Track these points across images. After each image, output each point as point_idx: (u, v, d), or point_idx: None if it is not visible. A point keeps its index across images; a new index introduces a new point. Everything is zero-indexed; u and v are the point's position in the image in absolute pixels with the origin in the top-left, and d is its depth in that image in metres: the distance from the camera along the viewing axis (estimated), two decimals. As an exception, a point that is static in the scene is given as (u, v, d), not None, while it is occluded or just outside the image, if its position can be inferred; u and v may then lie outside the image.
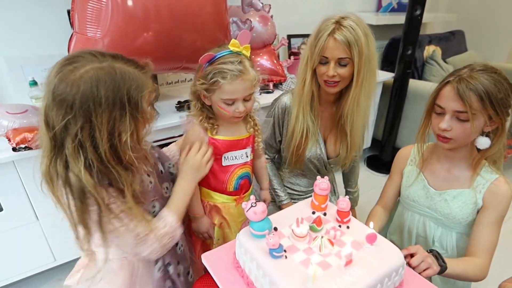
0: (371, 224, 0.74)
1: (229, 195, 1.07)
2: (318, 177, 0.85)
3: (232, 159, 1.03)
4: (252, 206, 0.73)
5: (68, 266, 1.53)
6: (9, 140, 1.12)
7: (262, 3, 1.68)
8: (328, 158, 1.32)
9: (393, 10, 3.05)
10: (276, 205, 1.42)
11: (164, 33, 1.28)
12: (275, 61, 1.94)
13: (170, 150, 1.09)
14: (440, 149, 1.02)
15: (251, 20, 1.82)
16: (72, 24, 1.17)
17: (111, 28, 1.16)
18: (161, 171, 0.92)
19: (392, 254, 0.73)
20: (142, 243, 0.77)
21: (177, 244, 0.96)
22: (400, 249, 1.16)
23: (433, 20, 3.31)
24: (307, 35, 2.32)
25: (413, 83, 2.41)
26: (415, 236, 1.12)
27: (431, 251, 0.91)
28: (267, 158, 1.37)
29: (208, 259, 0.84)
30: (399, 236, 1.19)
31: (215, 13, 1.39)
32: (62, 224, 1.11)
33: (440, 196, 1.02)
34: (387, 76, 2.43)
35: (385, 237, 1.22)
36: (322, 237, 0.73)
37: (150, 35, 1.25)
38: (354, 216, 1.43)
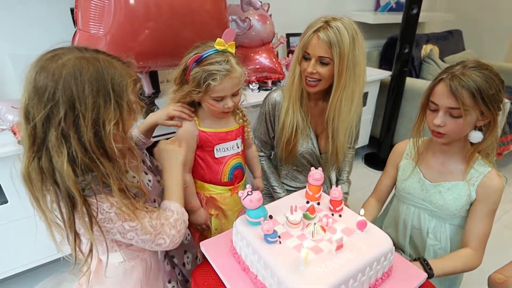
0: (362, 211, 0.78)
1: (224, 185, 1.11)
2: (312, 168, 0.89)
3: (224, 150, 1.07)
4: (248, 194, 0.77)
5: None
6: (14, 133, 1.16)
7: (261, 2, 1.71)
8: (320, 153, 1.34)
9: (391, 9, 3.08)
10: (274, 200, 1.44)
11: (164, 30, 1.31)
12: (273, 59, 1.97)
13: None
14: (435, 143, 1.06)
15: (250, 18, 1.85)
16: (75, 22, 1.20)
17: (113, 25, 1.19)
18: (150, 166, 0.94)
19: (381, 240, 0.76)
20: (159, 236, 0.77)
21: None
22: (396, 243, 1.21)
23: (431, 20, 3.34)
24: (305, 34, 2.35)
25: (410, 81, 2.44)
26: (410, 228, 1.15)
27: (418, 259, 0.95)
28: (263, 156, 1.40)
29: (206, 246, 0.87)
30: (395, 229, 1.22)
31: (215, 10, 1.42)
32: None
33: (435, 188, 1.05)
34: (384, 75, 2.46)
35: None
36: (315, 224, 0.76)
37: (151, 32, 1.28)
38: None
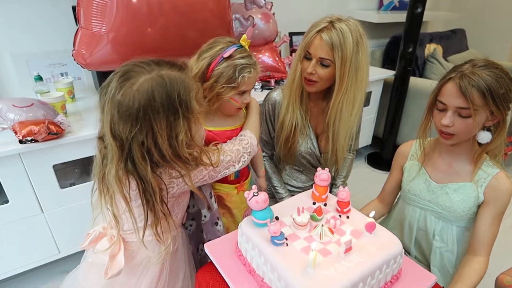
0: (372, 213, 0.76)
1: (231, 183, 1.11)
2: (319, 168, 0.87)
3: None
4: (254, 195, 0.75)
5: (72, 258, 1.56)
6: (15, 132, 1.14)
7: (264, 0, 1.69)
8: (321, 153, 1.32)
9: (394, 8, 3.06)
10: (276, 201, 1.43)
11: (167, 29, 1.30)
12: (276, 58, 1.96)
13: None
14: (442, 144, 1.04)
15: (253, 17, 1.83)
16: (77, 20, 1.19)
17: (116, 23, 1.18)
18: None
19: (390, 242, 0.74)
20: (233, 162, 0.94)
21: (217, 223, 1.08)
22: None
23: (435, 19, 3.32)
24: (308, 33, 2.33)
25: (413, 80, 2.42)
26: (415, 230, 1.13)
27: None
28: (265, 155, 1.39)
29: (210, 248, 0.86)
30: (400, 231, 1.20)
31: (218, 9, 1.41)
32: (67, 217, 1.16)
33: (442, 190, 1.03)
34: (388, 74, 2.44)
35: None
36: (322, 225, 0.74)
37: (153, 30, 1.26)
38: None
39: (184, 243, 1.03)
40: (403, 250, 0.75)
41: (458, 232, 1.06)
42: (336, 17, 1.07)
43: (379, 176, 2.49)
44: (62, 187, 1.37)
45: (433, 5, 3.47)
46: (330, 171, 1.46)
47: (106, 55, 1.19)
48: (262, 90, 1.89)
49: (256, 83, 1.90)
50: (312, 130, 1.29)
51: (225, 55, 0.91)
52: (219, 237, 0.92)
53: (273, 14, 1.99)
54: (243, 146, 0.97)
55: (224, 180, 1.08)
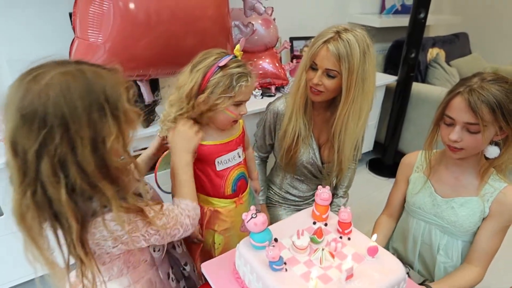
0: (374, 236, 0.73)
1: (228, 198, 1.07)
2: (320, 186, 0.85)
3: (226, 162, 1.04)
4: (252, 217, 0.73)
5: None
6: (9, 144, 1.12)
7: (264, 7, 1.66)
8: (322, 163, 1.30)
9: (396, 12, 3.02)
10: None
11: (166, 37, 1.27)
12: (277, 64, 1.93)
13: None
14: (448, 157, 1.01)
15: (253, 23, 1.81)
16: (73, 29, 1.16)
17: (113, 33, 1.15)
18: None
19: (393, 267, 0.72)
20: (170, 231, 0.76)
21: (174, 247, 0.96)
22: (404, 258, 1.17)
23: (437, 23, 3.28)
24: (309, 38, 2.31)
25: (416, 86, 2.39)
26: (420, 244, 1.11)
27: (422, 284, 0.93)
28: (256, 156, 1.39)
29: (207, 268, 0.83)
30: (403, 244, 1.18)
31: (218, 16, 1.38)
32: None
33: (447, 204, 1.02)
34: (390, 79, 2.42)
35: (388, 244, 1.23)
36: (323, 249, 0.72)
37: (152, 39, 1.24)
38: None
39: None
40: (407, 276, 0.72)
41: (464, 247, 1.04)
42: (343, 27, 1.05)
43: (381, 183, 2.47)
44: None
45: (436, 9, 3.43)
46: (331, 181, 1.47)
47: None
48: (262, 97, 1.87)
49: (256, 90, 1.87)
50: (314, 140, 1.27)
51: (221, 64, 0.89)
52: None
53: (274, 19, 1.97)
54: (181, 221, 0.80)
55: (221, 195, 1.06)
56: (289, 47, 2.03)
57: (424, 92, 2.36)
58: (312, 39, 1.10)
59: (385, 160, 2.61)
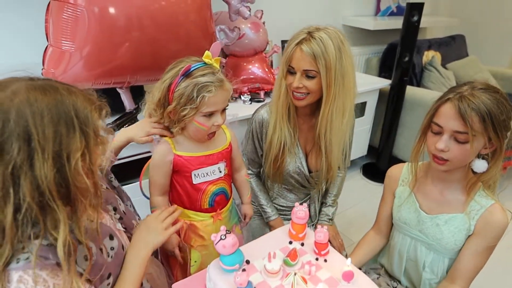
0: (348, 260, 0.69)
1: (205, 212, 1.03)
2: (297, 203, 0.81)
3: (203, 175, 0.99)
4: (221, 239, 0.69)
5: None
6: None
7: (249, 12, 1.62)
8: (310, 172, 1.27)
9: (392, 14, 2.98)
10: (263, 221, 1.37)
11: (146, 43, 1.24)
12: (266, 69, 1.89)
13: None
14: (433, 169, 0.98)
15: (242, 26, 1.77)
16: (46, 36, 1.12)
17: (88, 39, 1.11)
18: (123, 211, 0.83)
19: (371, 293, 0.68)
20: None
21: None
22: (391, 273, 1.13)
23: (434, 25, 3.24)
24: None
25: (410, 90, 2.34)
26: (405, 260, 1.07)
27: None
28: (251, 173, 1.33)
29: (178, 290, 0.79)
30: (390, 258, 1.14)
31: (200, 21, 1.35)
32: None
33: (432, 221, 0.97)
34: (384, 83, 2.37)
35: (377, 260, 1.19)
36: (295, 273, 0.67)
37: (131, 45, 1.20)
38: (335, 231, 1.39)
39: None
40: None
41: (450, 265, 0.99)
42: (314, 27, 1.04)
43: (375, 188, 2.42)
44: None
45: (432, 11, 3.39)
46: (321, 188, 1.43)
47: (78, 73, 1.12)
48: (251, 103, 1.82)
49: (245, 95, 1.83)
50: (301, 148, 1.24)
51: (182, 74, 0.84)
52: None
53: (263, 23, 1.92)
54: None
55: (197, 208, 1.02)
56: (279, 51, 1.99)
57: (418, 96, 2.31)
58: (286, 44, 1.08)
59: (379, 165, 2.57)
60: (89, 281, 0.60)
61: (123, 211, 0.83)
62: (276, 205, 1.38)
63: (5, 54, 1.48)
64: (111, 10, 1.13)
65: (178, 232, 1.03)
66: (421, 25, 2.15)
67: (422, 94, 2.33)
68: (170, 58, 1.33)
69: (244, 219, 1.19)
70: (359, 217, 2.06)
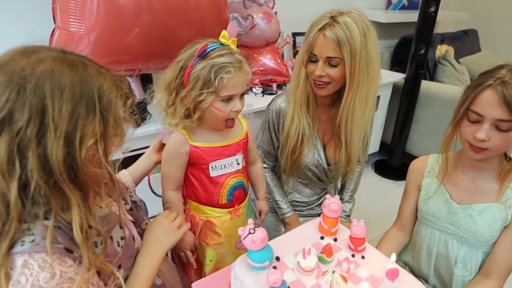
0: (393, 256, 0.62)
1: (223, 207, 0.97)
2: (328, 196, 0.74)
3: (221, 168, 0.92)
4: (250, 233, 0.62)
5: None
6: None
7: (265, -1, 1.56)
8: (328, 165, 1.21)
9: (403, 7, 2.92)
10: (278, 217, 1.30)
11: (157, 28, 1.18)
12: (279, 61, 1.83)
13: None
14: (466, 158, 0.92)
15: (254, 16, 1.70)
16: (54, 18, 1.06)
17: (97, 22, 1.05)
18: (134, 201, 0.78)
19: (417, 293, 0.61)
20: None
21: None
22: (417, 271, 1.06)
23: (445, 18, 3.17)
24: (313, 33, 2.20)
25: (425, 84, 2.28)
26: (435, 256, 1.01)
27: None
28: (266, 167, 1.26)
29: (199, 289, 0.72)
30: (416, 256, 1.08)
31: (214, 7, 1.28)
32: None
33: (464, 211, 0.92)
34: (397, 77, 2.31)
35: (400, 258, 1.12)
36: (333, 271, 0.61)
37: (141, 30, 1.14)
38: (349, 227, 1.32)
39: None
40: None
41: (484, 259, 0.94)
42: (337, 11, 0.98)
43: (387, 185, 2.36)
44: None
45: (443, 5, 3.32)
46: (336, 184, 1.37)
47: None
48: (263, 95, 1.77)
49: (257, 88, 1.77)
50: (319, 140, 1.18)
51: (199, 54, 0.78)
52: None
53: (275, 13, 1.86)
54: None
55: (215, 203, 0.95)
56: (291, 42, 1.93)
57: (433, 91, 2.25)
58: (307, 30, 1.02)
59: (391, 162, 2.50)
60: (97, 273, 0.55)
61: (133, 201, 0.78)
62: (290, 201, 1.32)
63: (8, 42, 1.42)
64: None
65: (192, 230, 0.97)
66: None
67: (437, 88, 2.26)
68: (183, 45, 1.28)
69: (260, 215, 1.13)
70: (371, 216, 1.99)
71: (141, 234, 0.75)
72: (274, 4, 1.88)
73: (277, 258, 0.65)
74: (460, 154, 0.96)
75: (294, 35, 2.22)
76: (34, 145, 0.46)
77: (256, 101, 1.67)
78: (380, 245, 1.09)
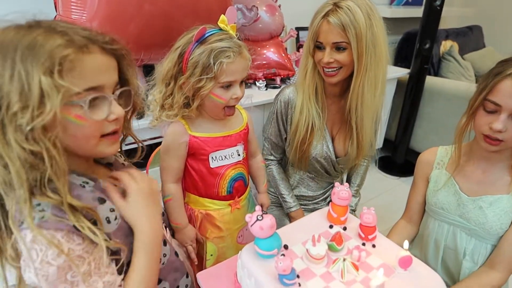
0: (406, 243, 0.60)
1: (223, 200, 0.95)
2: (337, 183, 0.72)
3: (221, 159, 0.91)
4: (257, 219, 0.60)
5: None
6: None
7: (269, -12, 1.53)
8: (336, 157, 1.19)
9: (407, 3, 2.89)
10: (283, 210, 1.28)
11: (161, 17, 1.16)
12: (283, 54, 1.80)
13: None
14: (477, 149, 0.91)
15: (257, 7, 1.68)
16: (55, 5, 1.04)
17: (100, 10, 1.03)
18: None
19: (430, 282, 0.59)
20: None
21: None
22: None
23: (450, 14, 3.14)
24: (316, 28, 2.18)
25: (430, 80, 2.25)
26: (443, 249, 1.00)
27: None
28: (272, 160, 1.25)
29: (205, 279, 0.71)
30: (423, 249, 1.06)
31: (219, -3, 1.26)
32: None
33: (474, 203, 0.91)
34: (401, 72, 2.28)
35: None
36: (344, 259, 0.59)
37: (144, 19, 1.12)
38: None
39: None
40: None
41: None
42: None
43: (391, 182, 2.34)
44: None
45: (448, 1, 3.30)
46: (342, 179, 1.35)
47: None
48: (266, 89, 1.74)
49: (261, 81, 1.74)
50: (328, 131, 1.17)
51: (197, 39, 0.76)
52: None
53: (279, 6, 1.84)
54: None
55: (214, 195, 0.93)
56: (295, 36, 1.91)
57: (438, 86, 2.22)
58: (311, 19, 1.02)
59: (395, 158, 2.48)
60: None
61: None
62: (296, 195, 1.30)
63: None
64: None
65: (192, 224, 0.95)
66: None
67: (442, 83, 2.24)
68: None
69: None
70: (379, 210, 1.97)
71: None
72: (278, -3, 1.86)
73: (285, 247, 0.64)
74: (471, 144, 0.94)
75: (298, 29, 2.20)
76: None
77: (260, 94, 1.65)
78: (389, 237, 1.08)
